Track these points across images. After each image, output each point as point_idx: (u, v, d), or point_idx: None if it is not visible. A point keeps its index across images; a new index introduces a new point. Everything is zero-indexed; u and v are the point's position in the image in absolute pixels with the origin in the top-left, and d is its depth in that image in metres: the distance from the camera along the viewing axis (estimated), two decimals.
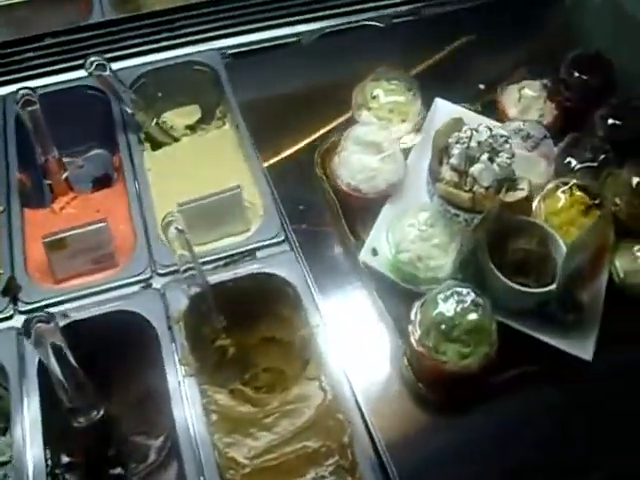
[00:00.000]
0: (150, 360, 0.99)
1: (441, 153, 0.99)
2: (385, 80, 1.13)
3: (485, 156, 0.94)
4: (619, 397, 0.96)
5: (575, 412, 0.95)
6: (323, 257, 1.09)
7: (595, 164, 1.05)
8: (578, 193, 1.01)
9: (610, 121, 1.10)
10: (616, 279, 1.01)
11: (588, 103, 1.15)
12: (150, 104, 1.31)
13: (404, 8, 1.40)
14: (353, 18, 1.39)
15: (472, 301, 0.91)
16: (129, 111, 1.20)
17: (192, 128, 1.35)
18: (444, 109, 1.16)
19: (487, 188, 0.95)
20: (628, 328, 0.99)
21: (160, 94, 1.33)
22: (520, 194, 0.96)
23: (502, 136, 0.96)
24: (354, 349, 0.99)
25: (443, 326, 0.90)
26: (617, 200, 1.01)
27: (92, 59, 1.10)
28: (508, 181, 0.96)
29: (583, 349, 0.95)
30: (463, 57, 1.34)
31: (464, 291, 0.92)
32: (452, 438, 0.94)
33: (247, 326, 1.08)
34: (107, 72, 1.13)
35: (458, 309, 0.90)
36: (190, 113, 1.36)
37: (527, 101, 1.14)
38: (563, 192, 1.01)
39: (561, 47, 1.29)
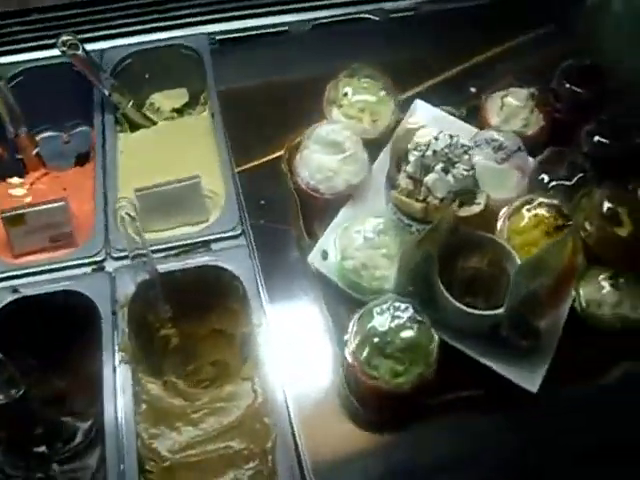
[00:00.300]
0: (90, 343, 0.99)
1: (399, 159, 0.94)
2: (357, 78, 1.08)
3: (439, 166, 0.88)
4: (568, 431, 0.90)
5: (522, 441, 0.90)
6: (277, 255, 1.05)
7: (570, 183, 0.98)
8: (543, 212, 0.94)
9: (596, 138, 1.02)
10: (578, 308, 0.94)
11: (578, 116, 1.07)
12: (137, 85, 1.31)
13: (403, 3, 1.34)
14: (349, 10, 1.34)
15: (410, 317, 0.87)
16: (105, 92, 1.19)
17: (179, 111, 1.34)
18: (423, 112, 1.11)
19: (441, 199, 0.90)
20: (585, 359, 0.93)
21: (147, 76, 1.32)
22: (475, 209, 0.90)
23: (463, 146, 0.90)
24: (293, 354, 0.96)
25: (376, 340, 0.86)
26: (587, 224, 0.94)
27: (64, 38, 1.09)
28: (465, 194, 0.91)
29: (529, 380, 0.89)
30: (461, 57, 1.28)
31: (402, 306, 0.87)
32: (382, 459, 0.89)
33: (195, 317, 1.07)
34: (80, 51, 1.12)
35: (392, 325, 0.86)
36: (178, 96, 1.35)
37: (510, 110, 1.06)
38: (528, 210, 0.95)
39: (570, 53, 1.20)
